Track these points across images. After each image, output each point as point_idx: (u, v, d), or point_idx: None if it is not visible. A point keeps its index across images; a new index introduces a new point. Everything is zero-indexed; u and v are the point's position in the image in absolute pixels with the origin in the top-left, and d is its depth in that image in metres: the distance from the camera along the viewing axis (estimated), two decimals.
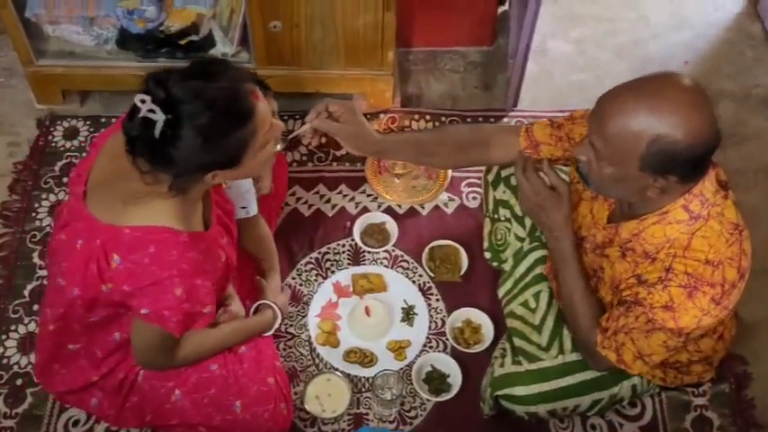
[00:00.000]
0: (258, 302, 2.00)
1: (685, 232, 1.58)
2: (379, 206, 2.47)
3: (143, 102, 1.44)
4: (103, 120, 2.67)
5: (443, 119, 2.70)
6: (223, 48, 2.54)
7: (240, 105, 1.52)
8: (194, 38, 2.51)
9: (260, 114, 1.55)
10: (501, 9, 2.92)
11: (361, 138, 1.84)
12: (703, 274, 1.56)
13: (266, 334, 1.99)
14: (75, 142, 2.61)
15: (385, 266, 2.32)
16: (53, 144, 2.61)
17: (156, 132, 1.45)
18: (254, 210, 2.06)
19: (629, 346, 1.67)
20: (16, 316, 2.23)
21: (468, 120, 2.70)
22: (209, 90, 1.48)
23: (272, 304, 1.99)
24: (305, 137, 1.84)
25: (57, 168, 2.55)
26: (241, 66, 1.93)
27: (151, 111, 1.44)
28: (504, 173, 2.13)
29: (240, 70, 1.60)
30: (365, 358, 2.13)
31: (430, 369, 2.12)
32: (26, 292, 2.27)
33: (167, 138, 1.46)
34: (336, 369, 2.11)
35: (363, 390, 2.10)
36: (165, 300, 1.57)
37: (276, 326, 2.00)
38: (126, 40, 2.52)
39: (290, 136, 1.89)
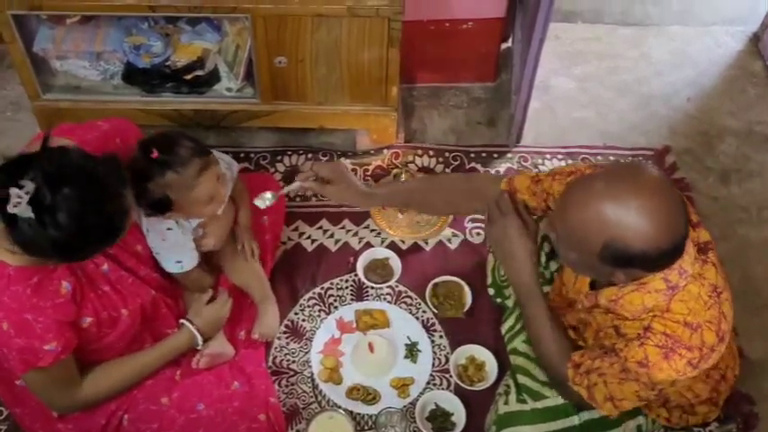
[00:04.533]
0: (180, 320, 1.99)
1: (663, 300, 1.57)
2: (382, 241, 2.46)
3: (19, 197, 1.40)
4: None
5: (447, 154, 2.71)
6: (228, 83, 2.56)
7: (96, 242, 1.53)
8: (200, 73, 2.54)
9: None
10: (504, 46, 2.95)
11: (350, 197, 1.99)
12: (681, 336, 1.55)
13: (198, 348, 1.98)
14: None
15: (388, 302, 2.31)
16: None
17: (18, 213, 1.41)
18: (189, 265, 2.01)
19: (601, 387, 1.67)
20: None
21: (472, 155, 2.71)
22: (85, 219, 1.45)
23: (185, 321, 1.97)
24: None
25: None
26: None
27: (21, 206, 1.40)
28: None
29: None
30: (368, 395, 2.11)
31: (434, 407, 2.09)
32: None
33: (23, 221, 1.42)
34: (339, 406, 2.08)
35: (366, 428, 2.07)
36: None
37: (199, 341, 1.96)
38: (132, 75, 2.54)
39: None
